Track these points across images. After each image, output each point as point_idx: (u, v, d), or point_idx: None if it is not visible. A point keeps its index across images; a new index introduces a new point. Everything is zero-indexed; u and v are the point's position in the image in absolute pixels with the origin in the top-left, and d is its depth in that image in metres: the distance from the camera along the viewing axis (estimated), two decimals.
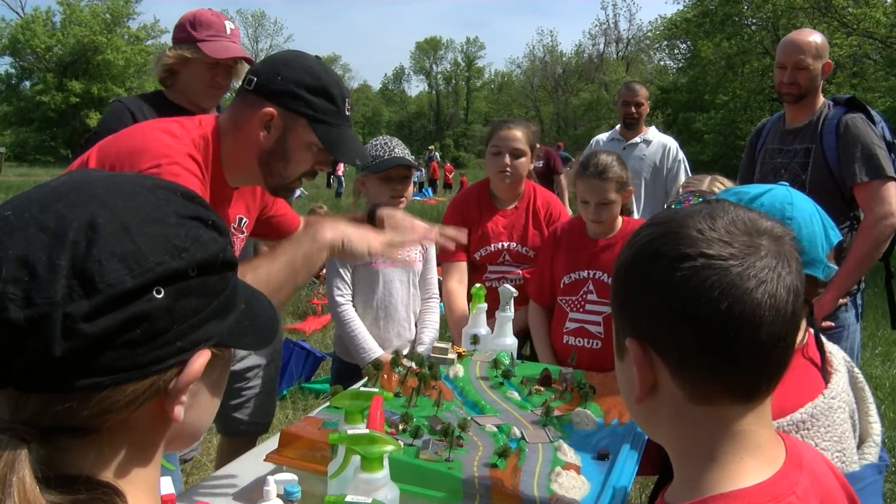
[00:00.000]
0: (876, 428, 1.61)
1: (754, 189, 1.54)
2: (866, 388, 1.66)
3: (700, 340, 0.82)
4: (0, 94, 48.33)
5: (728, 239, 0.82)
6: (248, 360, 2.77)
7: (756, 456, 0.86)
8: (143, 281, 0.66)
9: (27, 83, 48.05)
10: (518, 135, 3.00)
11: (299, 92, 1.71)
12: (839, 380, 1.51)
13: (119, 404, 0.67)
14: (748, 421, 0.86)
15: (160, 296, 0.67)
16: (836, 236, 1.50)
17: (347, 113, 1.86)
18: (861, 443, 1.59)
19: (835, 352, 1.60)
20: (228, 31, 2.71)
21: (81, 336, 0.63)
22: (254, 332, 0.80)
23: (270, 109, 1.71)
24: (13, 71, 48.10)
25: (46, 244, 0.64)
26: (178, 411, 0.72)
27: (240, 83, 1.81)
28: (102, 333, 0.64)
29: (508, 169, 2.97)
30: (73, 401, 0.65)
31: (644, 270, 0.87)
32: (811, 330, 1.56)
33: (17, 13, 49.61)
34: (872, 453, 1.56)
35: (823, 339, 1.58)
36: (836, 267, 1.50)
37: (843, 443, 1.45)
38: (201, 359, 0.72)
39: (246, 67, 2.79)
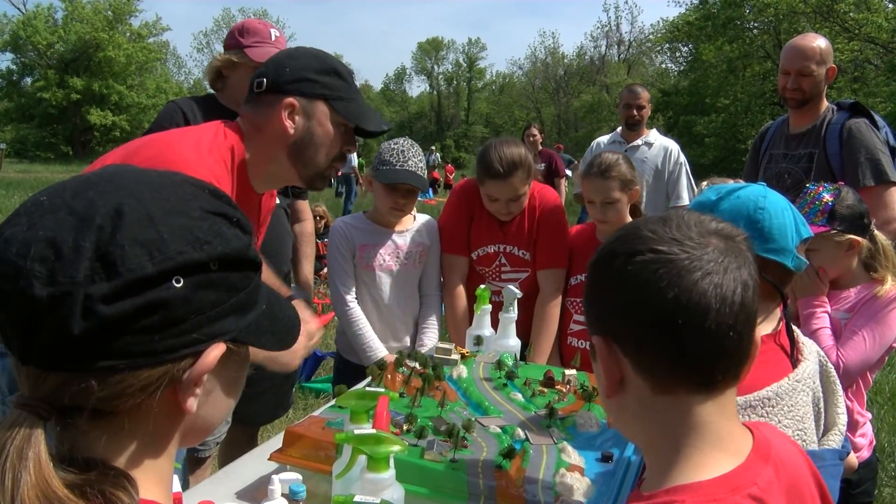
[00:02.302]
0: (842, 419, 1.72)
1: (732, 185, 1.65)
2: (837, 382, 1.77)
3: (652, 330, 0.88)
4: (1, 90, 48.25)
5: (678, 237, 0.89)
6: None
7: (718, 447, 0.90)
8: (162, 268, 0.68)
9: (28, 79, 47.96)
10: (515, 184, 2.75)
11: (311, 76, 1.78)
12: (806, 367, 1.61)
13: (133, 388, 0.69)
14: (708, 412, 0.90)
15: (179, 285, 0.69)
16: (806, 232, 1.62)
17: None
18: (828, 430, 1.70)
19: (808, 344, 1.71)
20: (273, 38, 2.84)
21: (99, 317, 0.66)
22: (273, 332, 0.82)
23: (290, 100, 1.75)
24: (14, 67, 47.98)
25: (74, 227, 0.67)
26: (191, 403, 0.74)
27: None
28: (120, 316, 0.66)
29: (510, 212, 2.84)
30: (89, 381, 0.68)
31: (603, 269, 0.95)
32: (784, 319, 1.66)
33: (19, 9, 49.60)
34: (836, 440, 1.67)
35: (798, 331, 1.70)
36: (804, 259, 1.62)
37: (804, 423, 1.55)
38: (215, 351, 0.74)
39: None
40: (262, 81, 1.78)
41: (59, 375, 0.68)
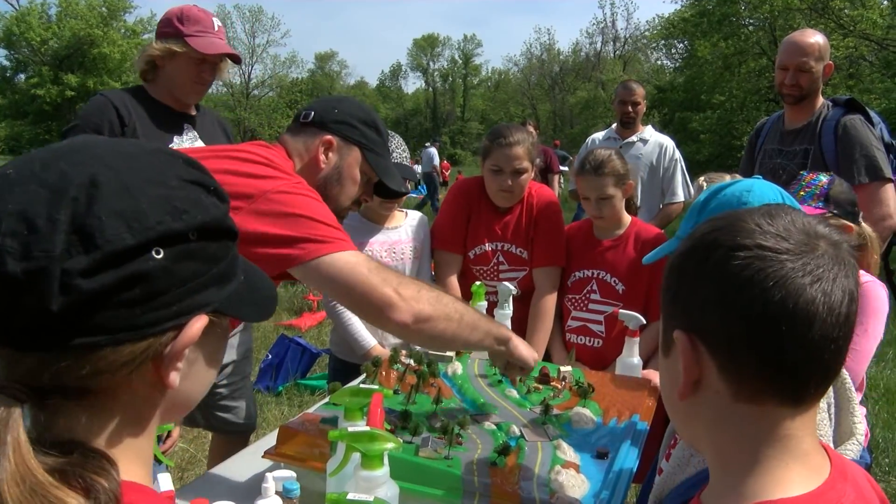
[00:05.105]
0: (860, 428, 1.66)
1: (720, 184, 1.61)
2: (852, 389, 1.71)
3: (750, 332, 0.81)
4: None
5: (785, 235, 0.82)
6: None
7: (803, 463, 0.84)
8: (142, 239, 0.66)
9: (22, 76, 47.74)
10: (519, 152, 2.78)
11: (354, 122, 1.90)
12: None
13: (115, 365, 0.68)
14: (795, 426, 0.84)
15: (159, 256, 0.68)
16: None
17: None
18: (844, 440, 1.64)
19: None
20: (216, 28, 2.70)
21: (79, 292, 0.63)
22: (253, 303, 0.81)
23: (329, 138, 1.87)
24: (8, 64, 47.77)
25: (47, 200, 0.65)
26: (174, 377, 0.73)
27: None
28: (100, 290, 0.64)
29: (511, 189, 2.82)
30: (68, 360, 0.66)
31: (700, 260, 0.87)
32: None
33: (13, 5, 49.38)
34: (854, 451, 1.61)
35: None
36: None
37: (820, 430, 1.50)
38: (198, 324, 0.72)
39: (229, 65, 2.82)
40: (309, 114, 1.90)
41: (38, 355, 0.66)
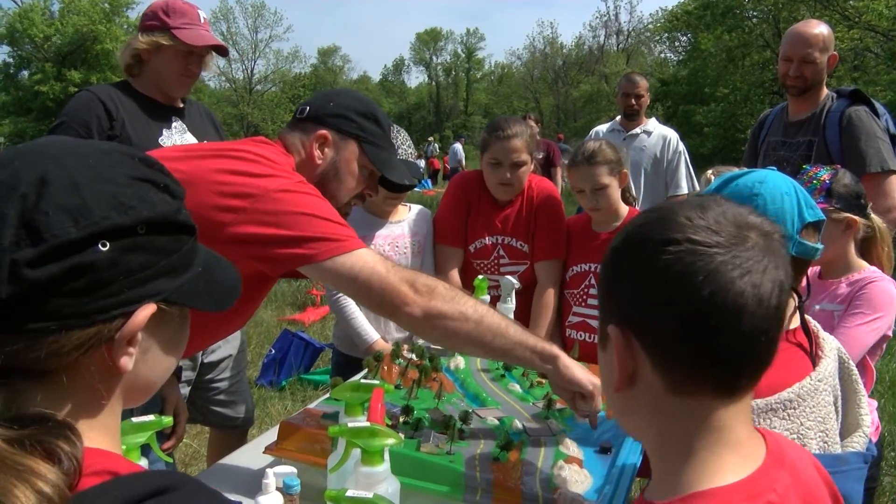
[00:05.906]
0: (866, 420, 1.66)
1: (733, 173, 1.59)
2: (859, 381, 1.70)
3: (681, 327, 0.81)
4: None
5: (716, 228, 0.82)
6: (219, 352, 2.74)
7: (735, 451, 0.85)
8: (86, 233, 0.71)
9: (25, 73, 47.75)
10: (518, 145, 2.74)
11: (350, 115, 1.85)
12: (827, 365, 1.55)
13: (66, 348, 0.72)
14: (728, 416, 0.85)
15: (105, 248, 0.72)
16: (812, 215, 1.52)
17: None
18: (851, 432, 1.63)
19: (829, 340, 1.64)
20: (202, 21, 2.68)
21: (26, 281, 0.68)
22: (209, 294, 0.85)
23: (324, 132, 1.82)
24: (11, 60, 47.81)
25: None
26: (125, 362, 0.77)
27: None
28: (47, 280, 0.69)
29: (510, 182, 2.79)
30: (21, 343, 0.70)
31: (630, 255, 0.88)
32: (798, 314, 1.59)
33: (15, 2, 49.40)
34: (860, 443, 1.61)
35: (819, 326, 1.63)
36: (814, 245, 1.53)
37: (826, 424, 1.50)
38: (146, 312, 0.77)
39: (215, 57, 2.80)
40: (305, 109, 1.87)
41: None
